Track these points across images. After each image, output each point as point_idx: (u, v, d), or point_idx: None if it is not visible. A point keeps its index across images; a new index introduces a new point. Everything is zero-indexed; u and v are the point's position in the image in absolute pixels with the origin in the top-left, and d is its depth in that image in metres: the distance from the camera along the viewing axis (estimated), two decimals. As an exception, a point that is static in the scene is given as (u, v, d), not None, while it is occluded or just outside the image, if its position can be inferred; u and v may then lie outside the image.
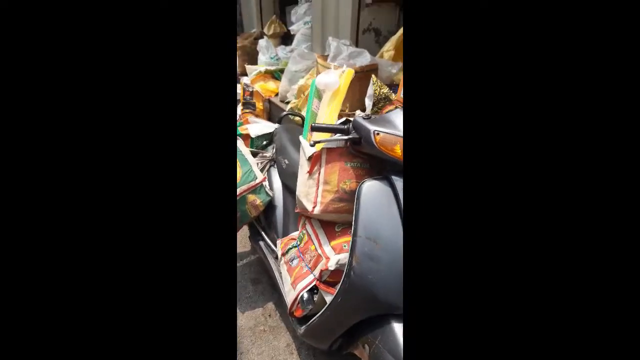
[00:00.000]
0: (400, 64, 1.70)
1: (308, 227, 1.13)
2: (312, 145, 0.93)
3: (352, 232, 0.87)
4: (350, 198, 1.01)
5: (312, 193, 1.01)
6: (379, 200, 0.87)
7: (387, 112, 0.93)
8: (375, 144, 0.85)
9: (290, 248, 1.17)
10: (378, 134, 0.86)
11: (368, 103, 1.25)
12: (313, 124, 0.94)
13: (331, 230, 1.06)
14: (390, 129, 0.86)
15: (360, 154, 0.96)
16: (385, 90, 1.34)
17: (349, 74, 1.08)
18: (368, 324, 0.88)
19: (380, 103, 1.35)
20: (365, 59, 1.73)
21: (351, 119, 1.04)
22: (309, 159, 1.02)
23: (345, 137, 0.91)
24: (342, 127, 0.95)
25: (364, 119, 0.90)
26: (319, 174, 1.00)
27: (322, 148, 0.99)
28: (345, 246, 1.03)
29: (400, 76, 1.70)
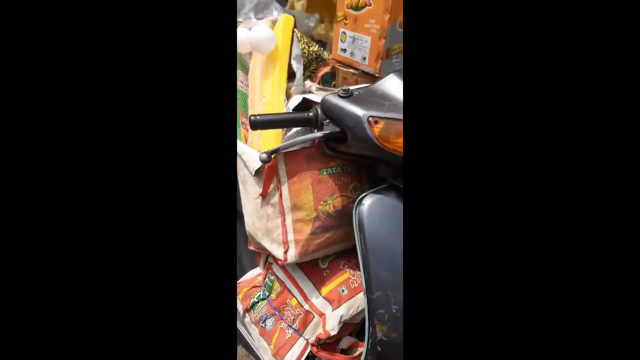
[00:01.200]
0: (317, 15, 1.31)
1: (277, 270, 0.76)
2: (267, 159, 0.53)
3: (364, 283, 0.54)
4: (338, 222, 0.65)
5: (277, 229, 0.64)
6: (392, 226, 0.54)
7: (375, 82, 0.57)
8: (374, 139, 0.50)
9: (256, 302, 0.80)
10: (376, 121, 0.50)
11: (296, 66, 0.86)
12: (254, 118, 0.54)
13: (315, 270, 0.71)
14: (390, 111, 0.51)
15: (339, 153, 0.61)
16: (315, 47, 0.96)
17: (287, 22, 0.67)
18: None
19: (312, 65, 0.97)
20: (275, 12, 1.30)
21: (312, 97, 0.66)
22: (257, 173, 0.63)
23: (319, 134, 0.54)
24: (305, 115, 0.57)
25: (342, 96, 0.53)
26: (280, 196, 0.62)
27: (277, 154, 0.60)
28: (343, 291, 0.70)
29: (321, 31, 1.33)
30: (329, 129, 0.53)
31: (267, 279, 0.79)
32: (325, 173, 0.63)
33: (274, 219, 0.64)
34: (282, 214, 0.63)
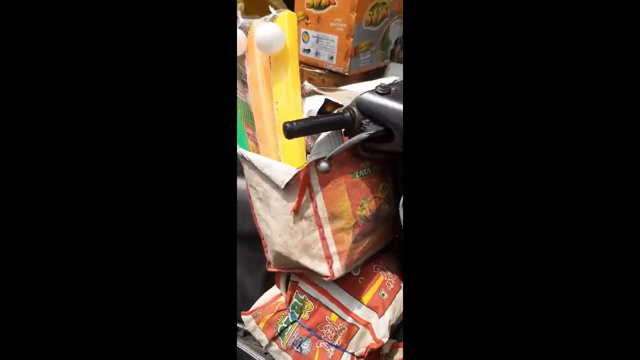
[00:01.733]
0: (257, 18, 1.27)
1: (307, 287, 0.70)
2: (328, 168, 0.48)
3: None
4: (374, 226, 0.63)
5: (316, 243, 0.59)
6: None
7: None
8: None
9: (285, 327, 0.73)
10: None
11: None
12: (290, 125, 0.49)
13: (349, 280, 0.67)
14: None
15: (376, 153, 0.58)
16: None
17: (291, 18, 0.62)
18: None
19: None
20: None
21: (331, 98, 0.62)
22: (287, 187, 0.57)
23: (365, 135, 0.51)
24: (342, 116, 0.53)
25: (381, 94, 0.51)
26: (315, 207, 0.58)
27: (309, 163, 0.56)
28: (384, 295, 0.67)
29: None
30: (371, 128, 0.50)
31: (294, 300, 0.73)
32: (358, 176, 0.60)
33: (310, 233, 0.59)
34: (320, 226, 0.58)
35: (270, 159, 0.59)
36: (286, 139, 0.59)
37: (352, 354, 0.69)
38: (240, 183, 0.77)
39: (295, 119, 0.60)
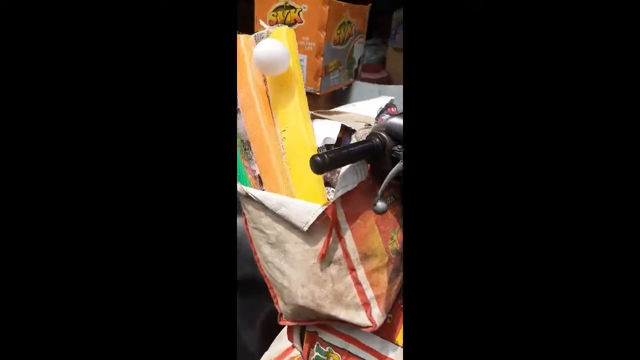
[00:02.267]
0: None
1: (329, 337, 0.61)
2: (385, 208, 0.40)
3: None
4: (402, 258, 0.57)
5: (350, 289, 0.50)
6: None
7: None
8: None
9: None
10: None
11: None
12: (321, 159, 0.40)
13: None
14: None
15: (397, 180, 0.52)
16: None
17: (290, 35, 0.54)
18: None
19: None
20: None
21: (347, 123, 0.55)
22: (309, 230, 0.48)
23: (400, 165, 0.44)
24: (372, 143, 0.46)
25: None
26: (344, 248, 0.50)
27: (337, 199, 0.48)
28: None
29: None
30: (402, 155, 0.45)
31: (316, 354, 0.63)
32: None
33: (342, 279, 0.51)
34: (352, 269, 0.50)
35: (285, 197, 0.50)
36: (298, 172, 0.51)
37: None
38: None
39: (309, 148, 0.52)
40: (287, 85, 0.52)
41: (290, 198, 0.49)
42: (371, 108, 0.69)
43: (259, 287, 0.70)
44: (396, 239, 0.55)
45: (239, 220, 0.64)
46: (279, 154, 0.53)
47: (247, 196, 0.52)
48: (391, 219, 0.54)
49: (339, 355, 0.62)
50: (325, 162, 0.41)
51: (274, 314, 0.78)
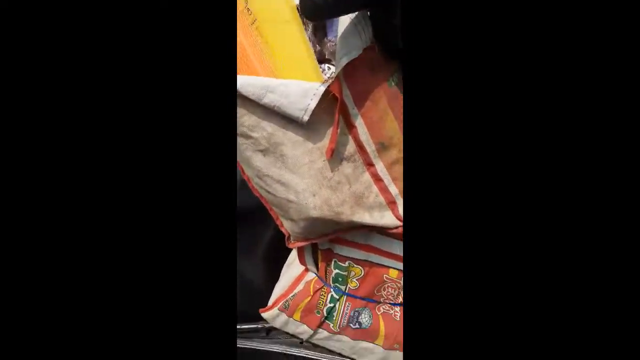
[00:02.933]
0: None
1: (347, 251, 0.54)
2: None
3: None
4: None
5: (370, 188, 0.41)
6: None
7: None
8: None
9: (332, 306, 0.58)
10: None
11: None
12: None
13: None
14: None
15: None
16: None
17: None
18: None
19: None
20: None
21: None
22: (310, 121, 0.37)
23: None
24: None
25: None
26: (357, 139, 0.40)
27: (340, 71, 0.36)
28: None
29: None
30: None
31: (335, 271, 0.57)
32: (393, 84, 0.43)
33: (359, 177, 0.42)
34: (370, 164, 0.41)
35: (269, 79, 0.37)
36: (277, 41, 0.38)
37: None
38: None
39: (287, 6, 0.38)
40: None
41: (279, 79, 0.37)
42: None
43: (250, 216, 0.62)
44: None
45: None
46: (245, 24, 0.39)
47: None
48: (400, 101, 0.44)
49: (360, 268, 0.56)
50: (327, 0, 0.29)
51: (274, 242, 0.71)
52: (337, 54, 0.36)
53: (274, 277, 0.69)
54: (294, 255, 0.67)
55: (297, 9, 0.38)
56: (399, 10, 0.36)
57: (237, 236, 0.66)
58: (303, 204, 0.44)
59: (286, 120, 0.39)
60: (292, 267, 0.65)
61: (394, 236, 0.53)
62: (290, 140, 0.40)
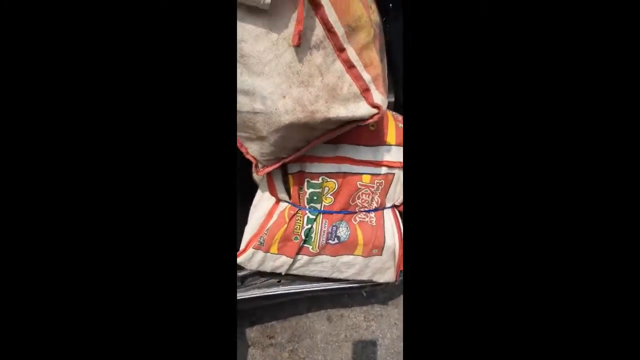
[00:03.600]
0: None
1: (317, 166, 0.51)
2: None
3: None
4: (380, 35, 0.46)
5: (343, 78, 0.38)
6: None
7: None
8: None
9: (309, 227, 0.55)
10: None
11: None
12: None
13: (361, 133, 0.51)
14: None
15: None
16: None
17: None
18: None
19: None
20: None
21: None
22: (272, 7, 0.31)
23: None
24: None
25: None
26: (325, 23, 0.35)
27: None
28: (401, 125, 0.56)
29: None
30: None
31: (308, 191, 0.54)
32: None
33: (329, 66, 0.38)
34: (341, 49, 0.38)
35: None
36: None
37: (394, 206, 0.61)
38: None
39: None
40: None
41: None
42: None
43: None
44: (374, 8, 0.44)
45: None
46: None
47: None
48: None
49: (334, 181, 0.55)
50: None
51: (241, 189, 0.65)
52: None
53: (243, 222, 0.64)
54: (259, 195, 0.62)
55: None
56: None
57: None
58: (272, 111, 0.40)
59: (244, 10, 0.33)
60: (260, 205, 0.61)
61: (362, 143, 0.53)
62: (251, 35, 0.35)
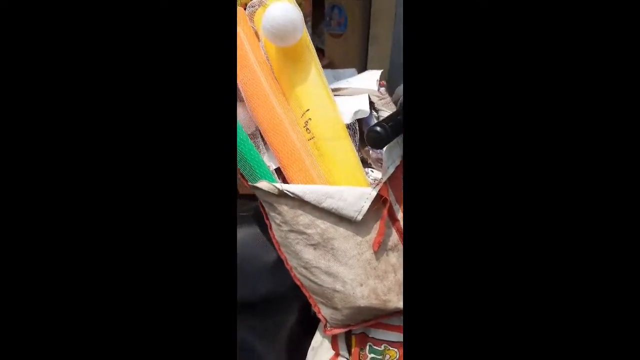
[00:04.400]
0: None
1: (381, 333, 0.55)
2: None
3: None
4: None
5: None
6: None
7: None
8: None
9: None
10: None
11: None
12: (381, 129, 0.35)
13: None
14: None
15: None
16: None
17: None
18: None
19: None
20: None
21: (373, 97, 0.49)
22: (362, 220, 0.42)
23: None
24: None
25: None
26: (400, 228, 0.45)
27: (388, 178, 0.42)
28: None
29: None
30: None
31: (370, 355, 0.57)
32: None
33: (402, 265, 0.46)
34: None
35: (329, 187, 0.43)
36: (331, 156, 0.45)
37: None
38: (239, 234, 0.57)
39: (340, 127, 0.46)
40: (300, 57, 0.45)
41: (336, 187, 0.43)
42: (367, 81, 0.65)
43: (277, 304, 0.63)
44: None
45: (250, 232, 0.55)
46: (303, 139, 0.46)
47: (281, 194, 0.44)
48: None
49: (396, 351, 0.57)
50: (387, 132, 0.36)
51: (296, 329, 0.70)
52: (384, 162, 0.43)
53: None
54: (318, 339, 0.66)
55: (347, 127, 0.46)
56: None
57: (259, 322, 0.65)
58: (350, 294, 0.47)
59: (338, 218, 0.44)
60: (320, 353, 0.65)
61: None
62: (341, 236, 0.45)
